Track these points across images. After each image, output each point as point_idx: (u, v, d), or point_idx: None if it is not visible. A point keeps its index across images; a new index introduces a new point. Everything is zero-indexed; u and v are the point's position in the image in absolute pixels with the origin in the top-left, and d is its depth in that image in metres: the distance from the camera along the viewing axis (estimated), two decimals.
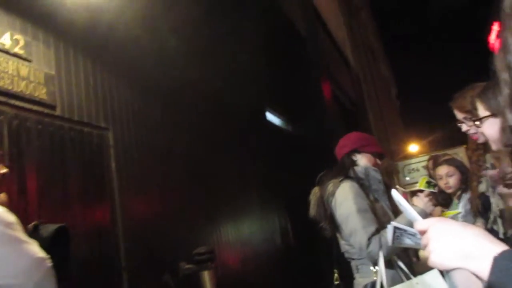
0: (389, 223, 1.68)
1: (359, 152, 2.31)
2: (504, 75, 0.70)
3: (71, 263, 1.36)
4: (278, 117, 4.90)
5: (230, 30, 3.85)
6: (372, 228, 2.01)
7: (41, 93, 1.76)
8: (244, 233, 3.17)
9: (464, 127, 1.82)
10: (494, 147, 1.55)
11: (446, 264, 0.72)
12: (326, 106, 6.35)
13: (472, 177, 2.38)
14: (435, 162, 3.72)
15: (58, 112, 1.83)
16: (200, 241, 2.45)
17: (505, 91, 0.68)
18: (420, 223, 0.81)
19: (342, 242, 2.24)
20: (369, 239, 1.99)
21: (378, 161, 2.38)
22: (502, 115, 0.72)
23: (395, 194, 1.08)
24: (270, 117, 4.63)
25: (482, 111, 1.49)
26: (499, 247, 0.64)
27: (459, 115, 1.85)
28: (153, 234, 2.21)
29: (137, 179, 2.21)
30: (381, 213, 2.16)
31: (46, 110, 1.78)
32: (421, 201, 2.18)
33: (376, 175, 2.26)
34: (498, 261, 0.62)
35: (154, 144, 2.40)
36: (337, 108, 7.89)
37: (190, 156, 2.70)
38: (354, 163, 2.28)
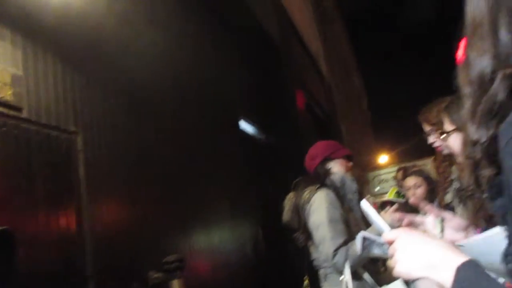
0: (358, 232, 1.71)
1: (331, 159, 2.34)
2: (466, 90, 0.73)
3: (17, 273, 1.27)
4: (252, 125, 4.91)
5: (205, 39, 3.84)
6: (340, 240, 2.05)
7: (7, 94, 1.70)
8: (216, 241, 3.14)
9: (430, 139, 1.88)
10: (459, 159, 1.61)
11: (411, 273, 0.75)
12: (300, 116, 6.42)
13: (438, 188, 2.46)
14: (404, 173, 3.82)
15: (24, 114, 1.76)
16: (170, 249, 2.41)
17: (467, 105, 0.70)
18: (387, 233, 0.84)
19: (312, 250, 2.27)
20: (336, 250, 2.02)
21: (349, 164, 2.42)
22: (464, 129, 0.75)
23: (364, 204, 1.10)
24: (244, 125, 4.63)
25: (447, 125, 1.54)
26: (462, 258, 0.68)
27: (426, 128, 1.91)
28: (122, 242, 2.15)
29: (107, 185, 2.15)
30: (353, 223, 2.20)
31: (11, 112, 1.71)
32: (389, 215, 2.22)
33: (352, 185, 2.29)
34: (461, 271, 0.66)
35: (125, 150, 2.35)
36: (310, 118, 7.98)
37: (162, 163, 2.66)
38: (328, 171, 2.31)
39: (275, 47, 6.02)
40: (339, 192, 2.24)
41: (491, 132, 0.64)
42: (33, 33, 1.88)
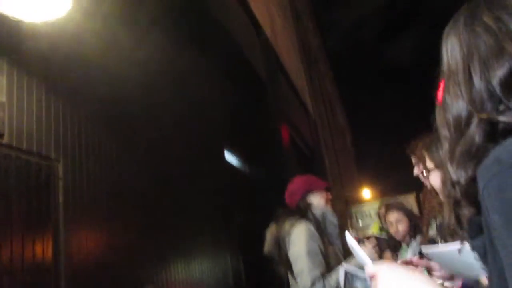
0: (339, 264, 1.73)
1: (311, 193, 2.40)
2: (443, 132, 0.76)
3: None
4: (236, 157, 4.92)
5: (193, 71, 3.92)
6: (317, 272, 2.09)
7: None
8: (195, 272, 3.07)
9: (415, 171, 1.93)
10: (440, 197, 1.64)
11: None
12: (284, 151, 6.47)
13: (423, 222, 2.49)
14: (386, 209, 3.85)
15: (5, 140, 1.75)
16: (147, 280, 2.35)
17: (445, 147, 0.73)
18: (370, 267, 0.84)
19: (292, 282, 2.29)
20: (313, 282, 2.06)
21: (329, 195, 2.48)
22: (443, 169, 0.77)
23: (348, 236, 1.11)
24: (229, 157, 4.65)
25: (428, 163, 1.59)
26: None
27: (413, 160, 1.97)
28: (98, 273, 2.09)
29: (85, 214, 2.12)
30: (333, 257, 2.24)
31: None
32: (366, 249, 2.26)
33: (333, 219, 2.35)
34: None
35: (105, 179, 2.34)
36: (294, 153, 8.04)
37: (143, 194, 2.64)
38: (310, 205, 2.36)
39: (262, 82, 6.15)
40: (319, 226, 2.28)
41: (469, 173, 0.66)
42: (19, 60, 1.90)
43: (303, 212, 2.32)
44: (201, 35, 4.24)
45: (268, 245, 2.36)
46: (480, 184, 0.62)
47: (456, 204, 0.70)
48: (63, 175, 2.01)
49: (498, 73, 0.66)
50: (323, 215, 2.34)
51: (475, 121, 0.67)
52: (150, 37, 3.18)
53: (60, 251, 1.89)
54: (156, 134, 2.97)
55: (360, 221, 10.33)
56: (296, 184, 2.48)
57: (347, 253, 2.21)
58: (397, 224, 3.27)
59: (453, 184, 0.70)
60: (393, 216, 3.32)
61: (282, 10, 10.06)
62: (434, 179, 1.55)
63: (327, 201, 2.44)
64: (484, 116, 0.66)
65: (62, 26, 2.13)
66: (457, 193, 0.69)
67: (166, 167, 3.01)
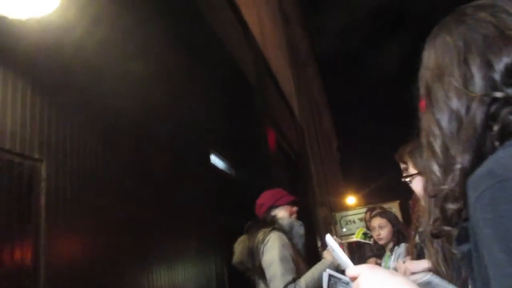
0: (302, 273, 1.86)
1: (276, 207, 2.63)
2: (424, 140, 0.77)
3: None
4: (222, 161, 4.90)
5: (181, 74, 3.89)
6: (289, 277, 2.27)
7: None
8: (179, 278, 3.03)
9: (403, 178, 1.95)
10: (422, 202, 1.67)
11: None
12: (270, 155, 6.47)
13: (412, 228, 2.52)
14: (370, 214, 3.88)
15: None
16: (130, 286, 2.31)
17: (437, 143, 0.74)
18: (351, 270, 0.84)
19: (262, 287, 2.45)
20: (285, 286, 2.24)
21: (294, 209, 2.69)
22: (424, 175, 0.78)
23: (329, 239, 1.11)
24: (215, 161, 4.62)
25: (411, 169, 1.61)
26: None
27: (401, 166, 1.99)
28: (79, 279, 2.05)
29: (68, 217, 2.07)
30: (300, 264, 2.46)
31: None
32: (330, 255, 2.48)
33: (299, 230, 2.57)
34: None
35: (90, 181, 2.29)
36: (280, 157, 8.05)
37: (127, 197, 2.60)
38: (274, 218, 2.59)
39: (250, 85, 6.14)
40: (287, 236, 2.49)
41: (472, 159, 0.66)
42: (3, 57, 1.85)
43: (270, 223, 2.53)
44: (190, 37, 4.22)
45: (239, 255, 2.54)
46: (472, 195, 0.62)
47: (445, 199, 0.70)
48: (47, 175, 1.97)
49: (506, 60, 0.67)
50: (290, 226, 2.54)
51: (474, 105, 0.68)
52: (138, 38, 3.15)
53: (40, 255, 1.84)
54: (142, 136, 2.93)
55: (344, 227, 10.40)
56: (263, 198, 2.73)
57: (311, 262, 2.57)
58: (380, 229, 3.31)
59: (442, 179, 0.71)
60: (376, 222, 3.35)
61: (271, 14, 10.09)
62: (417, 185, 1.57)
63: (291, 213, 2.65)
64: (485, 95, 0.67)
65: (49, 23, 2.09)
66: (450, 184, 0.69)
67: (152, 169, 2.97)
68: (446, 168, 0.70)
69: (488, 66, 0.68)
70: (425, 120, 0.79)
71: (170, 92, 3.54)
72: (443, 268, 1.32)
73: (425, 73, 0.80)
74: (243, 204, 4.84)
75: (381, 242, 3.32)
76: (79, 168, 2.21)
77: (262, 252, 2.37)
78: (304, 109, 12.64)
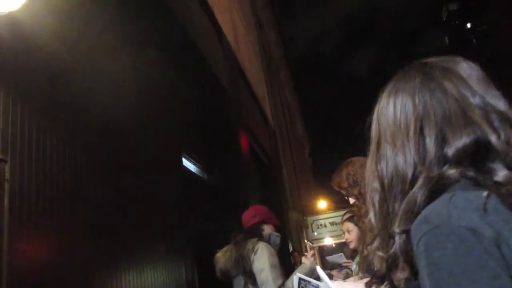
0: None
1: (266, 223, 3.02)
2: (374, 184, 0.78)
3: None
4: (194, 164, 4.87)
5: (153, 77, 3.85)
6: (280, 281, 2.60)
7: None
8: (148, 282, 2.98)
9: (350, 200, 2.05)
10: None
11: None
12: (243, 159, 6.47)
13: (360, 242, 2.60)
14: (342, 218, 3.95)
15: None
16: None
17: (375, 199, 0.77)
18: None
19: None
20: None
21: (273, 228, 3.08)
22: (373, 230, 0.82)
23: (320, 271, 1.26)
24: (187, 164, 4.59)
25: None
26: None
27: (342, 191, 2.09)
28: (45, 281, 1.98)
29: (32, 219, 2.00)
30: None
31: None
32: (308, 260, 2.89)
33: (276, 240, 2.97)
34: None
35: (57, 183, 2.22)
36: (253, 161, 8.07)
37: (95, 199, 2.54)
38: (261, 230, 2.97)
39: (223, 89, 6.14)
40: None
41: (408, 228, 0.67)
42: None
43: (255, 234, 2.88)
44: (163, 40, 4.19)
45: (225, 264, 2.82)
46: (414, 243, 0.64)
47: (392, 265, 0.71)
48: (10, 176, 1.90)
49: (462, 141, 0.67)
50: (270, 237, 2.94)
51: (421, 180, 0.69)
52: (109, 38, 3.10)
53: (3, 259, 1.76)
54: (111, 138, 2.87)
55: (315, 231, 10.50)
56: (257, 210, 3.13)
57: (284, 265, 2.91)
58: (348, 233, 3.38)
59: (388, 240, 0.72)
60: (345, 226, 3.42)
61: (245, 18, 10.14)
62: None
63: (272, 230, 3.05)
64: (432, 174, 0.67)
65: (16, 20, 2.03)
66: (396, 250, 0.70)
67: (121, 172, 2.92)
68: (397, 227, 0.70)
69: (443, 141, 0.69)
70: (368, 168, 0.80)
71: (142, 95, 3.49)
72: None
73: (380, 124, 0.80)
74: (215, 208, 4.82)
75: (351, 246, 3.39)
76: (45, 168, 2.15)
77: (252, 260, 2.67)
78: (277, 114, 12.73)
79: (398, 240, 0.69)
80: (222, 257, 2.86)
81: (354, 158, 2.07)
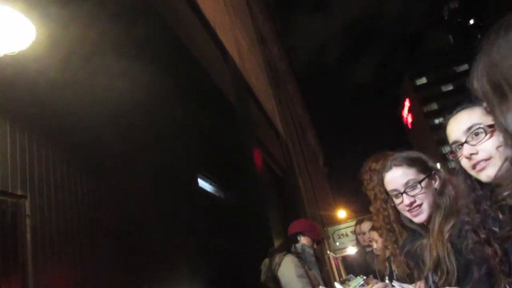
0: (318, 286, 2.40)
1: (303, 235, 3.14)
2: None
3: None
4: (210, 183, 4.88)
5: (163, 99, 3.89)
6: None
7: None
8: None
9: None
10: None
11: None
12: (258, 174, 6.46)
13: (382, 250, 2.56)
14: (360, 222, 3.87)
15: None
16: None
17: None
18: None
19: None
20: None
21: (315, 245, 3.21)
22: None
23: (396, 284, 1.33)
24: (202, 183, 4.60)
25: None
26: None
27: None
28: None
29: (56, 253, 2.02)
30: (313, 278, 2.91)
31: None
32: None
33: (309, 251, 3.08)
34: None
35: (76, 216, 2.25)
36: (268, 176, 8.05)
37: (114, 227, 2.56)
38: (296, 241, 3.11)
39: (232, 107, 6.17)
40: (300, 256, 2.98)
41: None
42: None
43: (288, 245, 3.06)
44: (170, 63, 4.25)
45: (263, 276, 2.98)
46: None
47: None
48: (31, 212, 1.93)
49: None
50: (303, 248, 3.06)
51: None
52: (116, 67, 3.15)
53: None
54: (127, 164, 2.91)
55: (337, 241, 10.36)
56: (299, 222, 3.34)
57: (324, 275, 3.05)
58: (375, 242, 3.29)
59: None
60: (366, 226, 3.34)
61: (247, 35, 10.25)
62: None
63: (311, 244, 3.16)
64: None
65: (25, 58, 2.08)
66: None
67: (138, 197, 2.94)
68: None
69: None
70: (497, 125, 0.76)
71: (153, 119, 3.53)
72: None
73: (500, 68, 0.72)
74: (232, 225, 4.80)
75: (375, 246, 3.31)
76: (64, 202, 2.18)
77: (279, 272, 2.82)
78: (288, 126, 12.73)
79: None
80: (262, 270, 3.03)
81: (380, 153, 2.04)
